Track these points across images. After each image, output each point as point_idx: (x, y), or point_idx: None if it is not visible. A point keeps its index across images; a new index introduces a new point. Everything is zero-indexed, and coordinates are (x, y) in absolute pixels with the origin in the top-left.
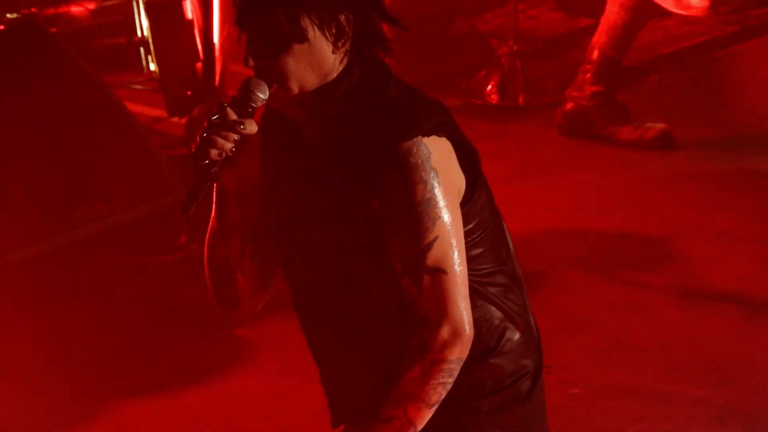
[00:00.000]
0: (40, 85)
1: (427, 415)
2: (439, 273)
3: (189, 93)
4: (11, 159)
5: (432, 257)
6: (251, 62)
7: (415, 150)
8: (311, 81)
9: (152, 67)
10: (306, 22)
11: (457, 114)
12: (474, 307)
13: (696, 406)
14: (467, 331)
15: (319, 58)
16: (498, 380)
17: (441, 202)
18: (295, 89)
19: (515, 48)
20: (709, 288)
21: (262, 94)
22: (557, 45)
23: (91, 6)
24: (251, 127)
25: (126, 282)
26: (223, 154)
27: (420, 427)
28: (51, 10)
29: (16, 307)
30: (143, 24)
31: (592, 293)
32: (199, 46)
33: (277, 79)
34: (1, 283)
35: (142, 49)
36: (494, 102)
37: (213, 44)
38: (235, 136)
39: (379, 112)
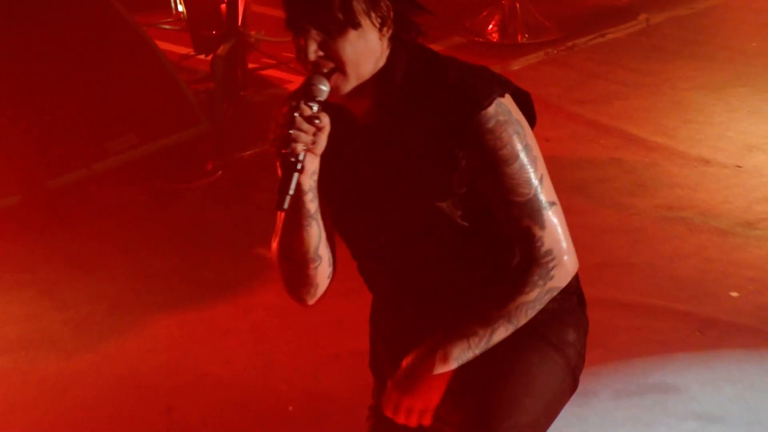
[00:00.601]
0: (81, 26)
1: (507, 335)
2: (554, 206)
3: (214, 32)
4: (54, 93)
5: (545, 194)
6: (311, 56)
7: (499, 110)
8: (367, 68)
9: (180, 8)
10: (357, 8)
11: (461, 51)
12: None
13: (678, 318)
14: (576, 260)
15: (371, 44)
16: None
17: (533, 146)
18: (353, 77)
19: None
20: (691, 211)
21: (325, 87)
22: None
23: None
24: (326, 120)
25: (158, 205)
26: (306, 148)
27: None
28: None
29: (58, 229)
30: None
31: (584, 215)
32: None
33: (337, 67)
34: (45, 206)
35: None
36: (495, 40)
37: None
38: (314, 129)
39: (451, 85)
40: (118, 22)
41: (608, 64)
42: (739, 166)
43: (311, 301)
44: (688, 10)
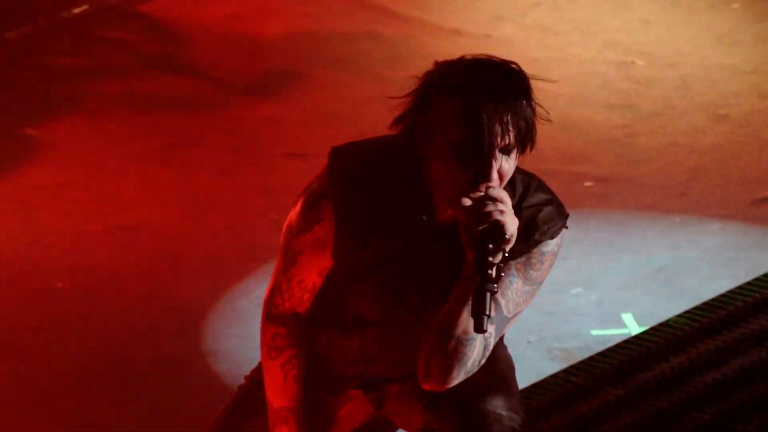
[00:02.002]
0: None
1: None
2: (502, 335)
3: None
4: None
5: (510, 324)
6: (494, 175)
7: (558, 242)
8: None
9: None
10: (533, 132)
11: None
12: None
13: None
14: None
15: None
16: None
17: (542, 286)
18: None
19: None
20: None
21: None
22: None
23: None
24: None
25: None
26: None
27: None
28: None
29: None
30: None
31: (344, 88)
32: None
33: (500, 178)
34: None
35: None
36: None
37: None
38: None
39: (534, 206)
40: None
41: None
42: (489, 36)
43: None
44: None
